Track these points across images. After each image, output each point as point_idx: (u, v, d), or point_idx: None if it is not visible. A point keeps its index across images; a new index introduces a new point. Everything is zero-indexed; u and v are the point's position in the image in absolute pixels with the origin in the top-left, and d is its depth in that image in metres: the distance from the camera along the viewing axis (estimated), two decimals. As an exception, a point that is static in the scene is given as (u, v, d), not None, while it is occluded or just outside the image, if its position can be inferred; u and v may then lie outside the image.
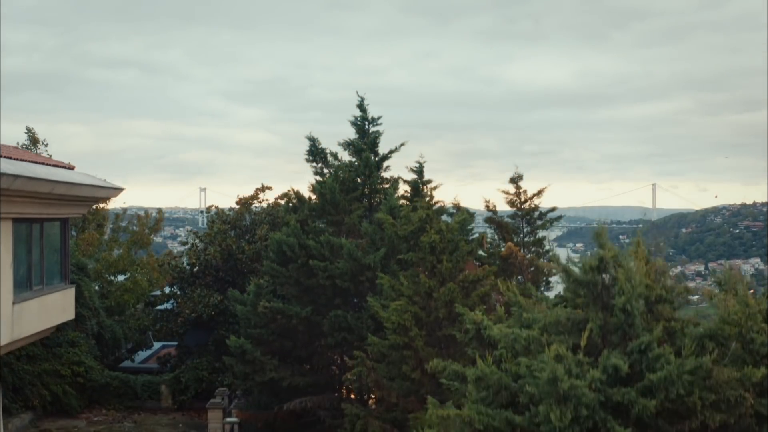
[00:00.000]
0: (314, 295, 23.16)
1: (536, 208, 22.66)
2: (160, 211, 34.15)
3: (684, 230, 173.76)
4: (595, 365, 10.32)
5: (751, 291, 12.26)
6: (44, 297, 22.86)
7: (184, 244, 29.89)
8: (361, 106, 24.41)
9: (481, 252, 22.16)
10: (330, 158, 24.53)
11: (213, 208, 30.40)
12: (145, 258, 34.90)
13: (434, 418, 11.30)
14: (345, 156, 24.54)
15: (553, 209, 22.55)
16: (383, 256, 21.66)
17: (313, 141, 24.43)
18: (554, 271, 11.80)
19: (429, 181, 21.62)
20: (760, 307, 11.75)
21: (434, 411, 11.32)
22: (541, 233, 23.01)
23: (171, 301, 30.87)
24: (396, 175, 24.47)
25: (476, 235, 22.68)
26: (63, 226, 24.33)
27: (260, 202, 30.47)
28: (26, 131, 32.60)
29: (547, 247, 23.80)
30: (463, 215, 21.50)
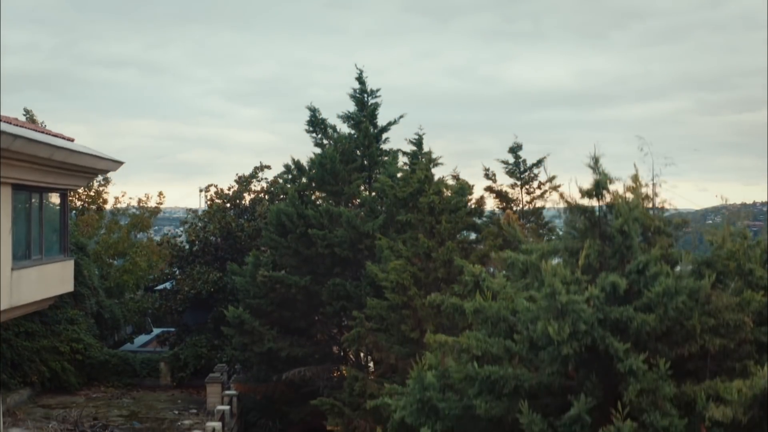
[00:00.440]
0: (313, 265, 23.14)
1: (535, 177, 22.64)
2: (160, 193, 34.20)
3: (684, 230, 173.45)
4: (594, 283, 10.32)
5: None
6: (43, 267, 22.87)
7: (183, 223, 29.85)
8: (360, 79, 24.44)
9: (478, 220, 22.14)
10: (329, 131, 24.56)
11: (212, 187, 30.42)
12: (144, 241, 34.88)
13: (433, 344, 11.29)
14: (344, 128, 24.59)
15: (552, 178, 22.51)
16: (382, 224, 21.65)
17: (313, 111, 24.47)
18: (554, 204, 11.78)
19: (429, 153, 21.61)
20: (759, 242, 11.79)
21: (431, 337, 11.31)
22: (539, 203, 22.96)
23: (170, 281, 30.85)
24: (395, 148, 24.51)
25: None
26: (62, 198, 24.36)
27: (259, 180, 30.49)
28: (24, 113, 32.64)
29: (546, 219, 23.76)
30: (462, 184, 21.55)
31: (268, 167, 30.53)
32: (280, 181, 28.22)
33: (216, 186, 30.29)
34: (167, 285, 31.17)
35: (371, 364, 22.50)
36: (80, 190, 34.69)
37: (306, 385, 22.98)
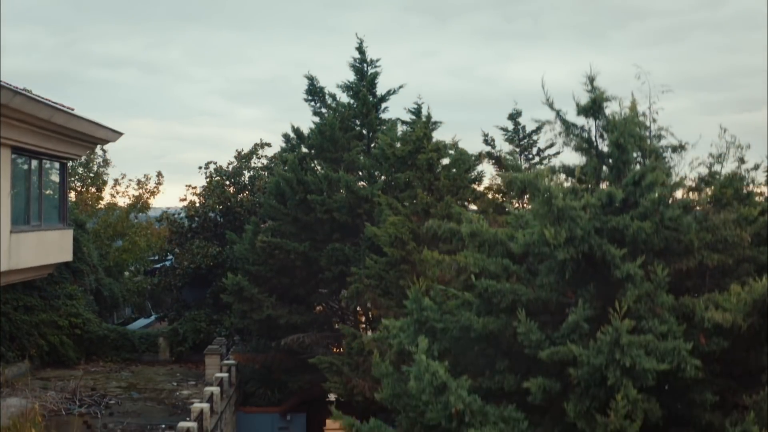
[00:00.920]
0: (312, 232, 23.13)
1: (534, 144, 22.62)
2: (159, 173, 34.25)
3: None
4: (591, 194, 10.31)
5: None
6: (42, 233, 22.86)
7: (182, 200, 29.89)
8: (360, 49, 24.48)
9: (476, 188, 22.13)
10: (329, 99, 24.59)
11: (211, 164, 30.43)
12: (144, 223, 34.89)
13: (431, 261, 11.28)
14: (344, 98, 24.61)
15: (551, 145, 22.48)
16: (381, 188, 21.64)
17: (311, 79, 24.51)
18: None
19: (428, 114, 21.53)
20: (757, 166, 11.79)
21: (428, 254, 11.30)
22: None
23: (169, 259, 30.85)
24: (395, 117, 24.51)
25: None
26: (62, 168, 24.39)
27: (259, 157, 30.51)
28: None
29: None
30: (462, 151, 21.58)
31: (268, 145, 30.62)
32: (280, 157, 28.18)
33: (215, 163, 30.36)
34: (166, 263, 31.18)
35: (370, 332, 22.44)
36: (80, 171, 34.74)
37: (305, 353, 22.93)
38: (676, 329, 9.41)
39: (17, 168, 21.24)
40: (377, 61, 24.47)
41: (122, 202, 34.58)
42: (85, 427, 21.15)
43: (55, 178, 24.23)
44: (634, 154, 10.61)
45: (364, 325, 22.51)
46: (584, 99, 10.81)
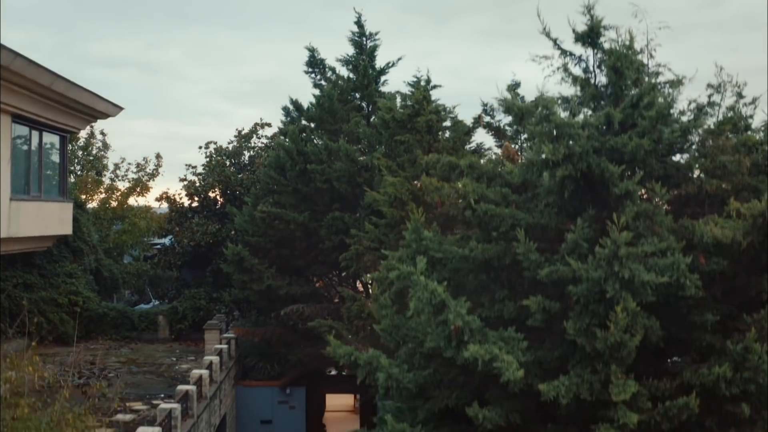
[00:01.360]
0: (312, 203, 23.14)
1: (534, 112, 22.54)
2: (158, 155, 34.25)
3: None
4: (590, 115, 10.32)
5: None
6: (42, 204, 22.88)
7: (182, 180, 29.87)
8: (359, 23, 24.52)
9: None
10: (328, 72, 24.63)
11: (211, 144, 30.44)
12: (144, 207, 34.88)
13: (429, 188, 11.27)
14: (343, 72, 24.65)
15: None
16: (381, 154, 21.62)
17: (312, 51, 24.55)
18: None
19: (427, 78, 21.46)
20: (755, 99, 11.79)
21: (427, 179, 11.29)
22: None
23: (169, 237, 30.86)
24: (394, 90, 24.51)
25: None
26: (62, 141, 24.43)
27: (259, 138, 30.53)
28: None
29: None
30: (460, 123, 21.60)
31: (268, 125, 30.62)
32: (280, 129, 28.00)
33: (215, 143, 30.36)
34: (166, 242, 31.18)
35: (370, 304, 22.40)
36: (79, 154, 34.77)
37: (304, 324, 22.88)
38: (675, 246, 9.40)
39: (18, 138, 21.30)
40: (376, 34, 24.53)
41: (122, 186, 34.59)
42: (83, 395, 21.09)
43: (55, 156, 24.29)
44: (629, 82, 10.60)
45: (363, 294, 22.46)
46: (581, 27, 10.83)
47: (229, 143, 30.11)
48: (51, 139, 23.80)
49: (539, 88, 10.88)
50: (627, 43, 10.49)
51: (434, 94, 21.09)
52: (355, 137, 23.08)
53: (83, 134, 34.92)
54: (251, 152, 30.32)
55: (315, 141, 23.65)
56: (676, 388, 9.35)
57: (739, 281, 10.34)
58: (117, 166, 35.06)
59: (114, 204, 33.51)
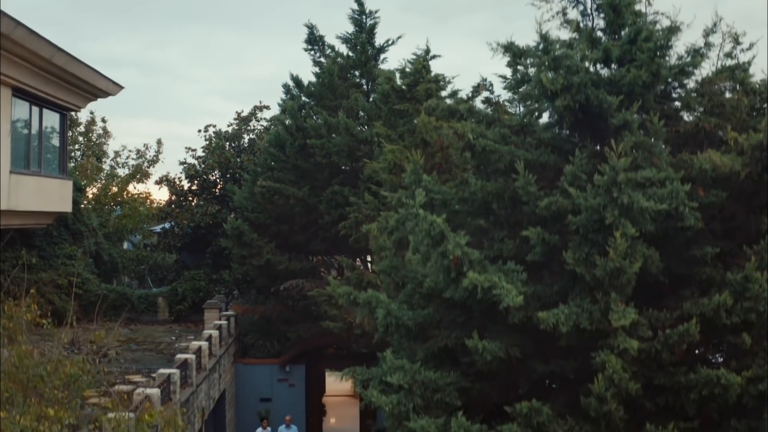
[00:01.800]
0: (311, 179, 23.16)
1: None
2: (159, 141, 34.29)
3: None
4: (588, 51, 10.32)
5: None
6: (42, 179, 22.89)
7: (182, 163, 29.90)
8: (358, 0, 24.56)
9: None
10: (328, 49, 24.67)
11: (210, 128, 30.49)
12: (144, 193, 34.92)
13: (429, 127, 11.28)
14: (343, 49, 24.69)
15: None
16: (378, 135, 21.64)
17: (311, 28, 24.61)
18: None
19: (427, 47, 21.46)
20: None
21: (425, 118, 11.31)
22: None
23: (169, 221, 30.87)
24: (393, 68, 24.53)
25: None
26: (62, 119, 24.45)
27: (258, 120, 30.57)
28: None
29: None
30: (459, 99, 21.60)
31: (267, 107, 30.65)
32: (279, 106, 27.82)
33: (215, 126, 30.41)
34: (166, 225, 31.19)
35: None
36: (80, 139, 34.81)
37: (304, 300, 22.87)
38: (674, 176, 9.40)
39: (18, 114, 21.32)
40: (376, 12, 24.55)
41: (122, 172, 34.61)
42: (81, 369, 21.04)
43: (55, 134, 24.33)
44: (628, 21, 10.59)
45: (361, 266, 22.45)
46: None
47: (228, 126, 30.18)
48: (51, 116, 23.83)
49: (538, 30, 10.87)
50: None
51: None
52: (354, 113, 23.11)
53: (84, 118, 35.01)
54: (251, 135, 30.35)
55: (314, 118, 23.67)
56: (676, 319, 9.33)
57: (739, 219, 10.35)
58: (117, 154, 35.12)
59: (114, 189, 33.52)
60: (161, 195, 56.60)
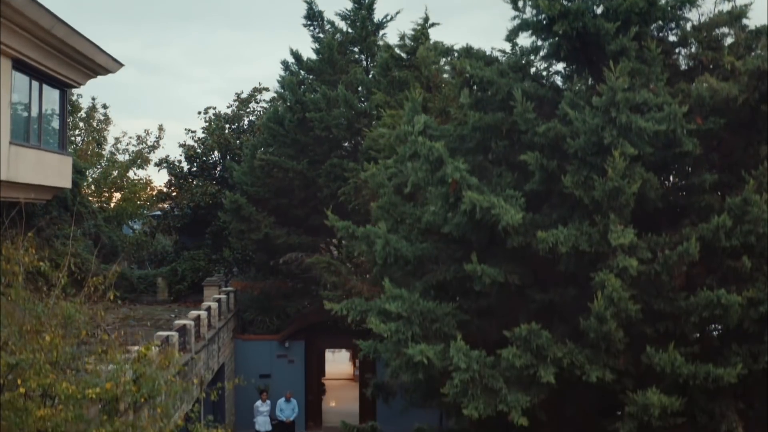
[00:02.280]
0: (311, 153, 23.14)
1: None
2: (160, 127, 34.25)
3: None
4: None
5: None
6: (42, 153, 22.84)
7: (181, 146, 29.87)
8: (358, -22, 24.59)
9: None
10: (327, 25, 24.70)
11: (210, 110, 30.47)
12: (144, 179, 34.87)
13: (427, 61, 11.28)
14: (342, 25, 24.72)
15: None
16: (378, 104, 21.63)
17: (309, 3, 24.62)
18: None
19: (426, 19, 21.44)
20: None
21: (425, 52, 11.32)
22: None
23: (169, 203, 30.85)
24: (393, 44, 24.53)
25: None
26: (62, 95, 24.45)
27: (257, 102, 30.57)
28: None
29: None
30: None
31: (266, 89, 30.64)
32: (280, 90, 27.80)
33: (215, 108, 30.39)
34: (166, 206, 31.17)
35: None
36: (81, 125, 34.81)
37: (303, 274, 22.81)
38: (671, 101, 9.40)
39: (18, 87, 21.33)
40: (375, -13, 24.53)
41: (123, 158, 34.56)
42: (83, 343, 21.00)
43: (55, 110, 24.35)
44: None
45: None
46: None
47: (228, 107, 30.18)
48: (51, 92, 23.83)
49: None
50: None
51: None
52: (354, 87, 23.11)
53: (85, 104, 35.00)
54: (251, 117, 30.34)
55: (314, 93, 23.67)
56: (675, 243, 9.31)
57: (737, 153, 10.35)
58: (117, 140, 35.09)
59: (114, 174, 33.50)
60: (161, 179, 56.16)
